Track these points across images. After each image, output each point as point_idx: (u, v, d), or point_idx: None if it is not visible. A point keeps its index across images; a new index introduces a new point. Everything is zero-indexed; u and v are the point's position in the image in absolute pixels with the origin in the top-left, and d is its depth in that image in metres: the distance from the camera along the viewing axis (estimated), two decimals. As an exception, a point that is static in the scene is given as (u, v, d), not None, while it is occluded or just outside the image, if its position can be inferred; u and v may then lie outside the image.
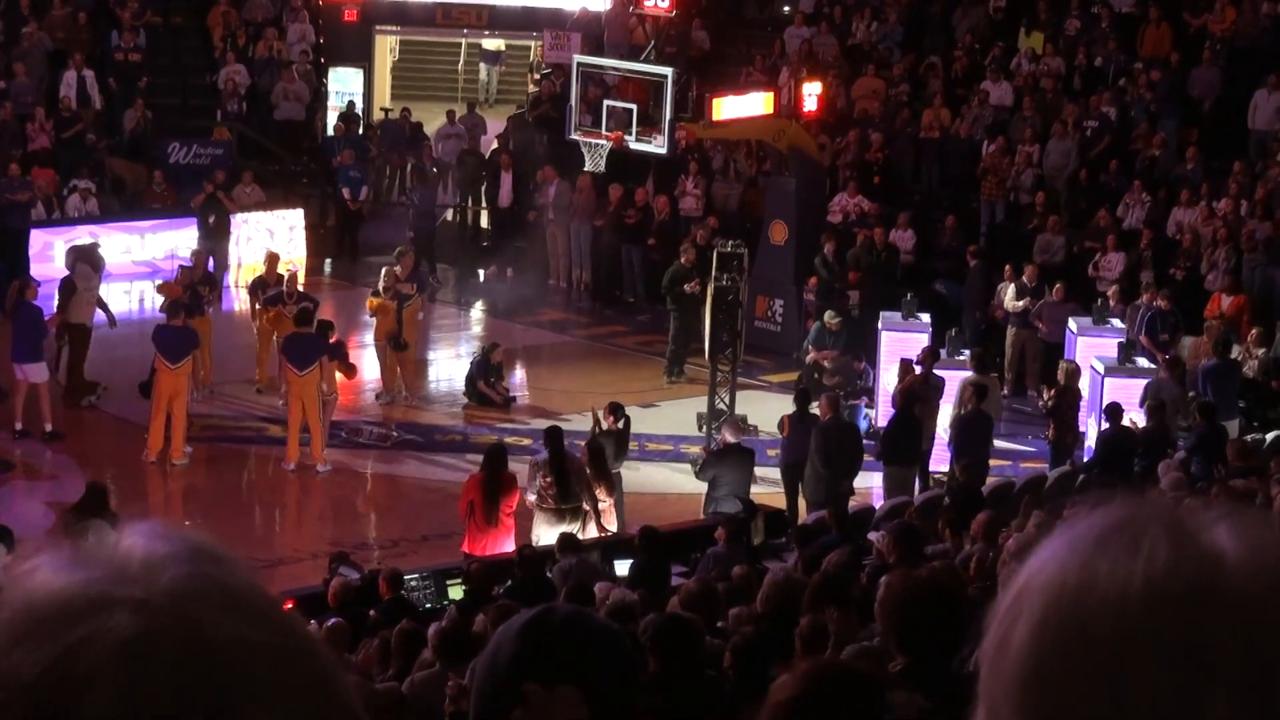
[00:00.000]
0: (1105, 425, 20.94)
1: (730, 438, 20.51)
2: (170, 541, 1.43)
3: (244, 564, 1.46)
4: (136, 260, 30.27)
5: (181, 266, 26.27)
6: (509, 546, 18.16)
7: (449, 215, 33.92)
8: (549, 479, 18.71)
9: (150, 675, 1.35)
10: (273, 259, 26.27)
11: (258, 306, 25.54)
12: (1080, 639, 1.47)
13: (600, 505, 19.02)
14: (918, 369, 22.31)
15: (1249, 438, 21.02)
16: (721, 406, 23.63)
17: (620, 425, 20.64)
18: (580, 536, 17.90)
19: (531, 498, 18.72)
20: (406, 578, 16.17)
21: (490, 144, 34.44)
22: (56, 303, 24.55)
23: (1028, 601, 1.51)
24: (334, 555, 17.72)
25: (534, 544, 17.82)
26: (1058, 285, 25.77)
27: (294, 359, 22.53)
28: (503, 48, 40.92)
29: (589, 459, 19.32)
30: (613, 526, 19.04)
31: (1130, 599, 1.47)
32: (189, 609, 1.38)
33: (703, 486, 20.41)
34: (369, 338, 27.60)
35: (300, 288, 26.33)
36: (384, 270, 26.20)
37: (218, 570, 1.43)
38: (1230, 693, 1.44)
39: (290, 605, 15.73)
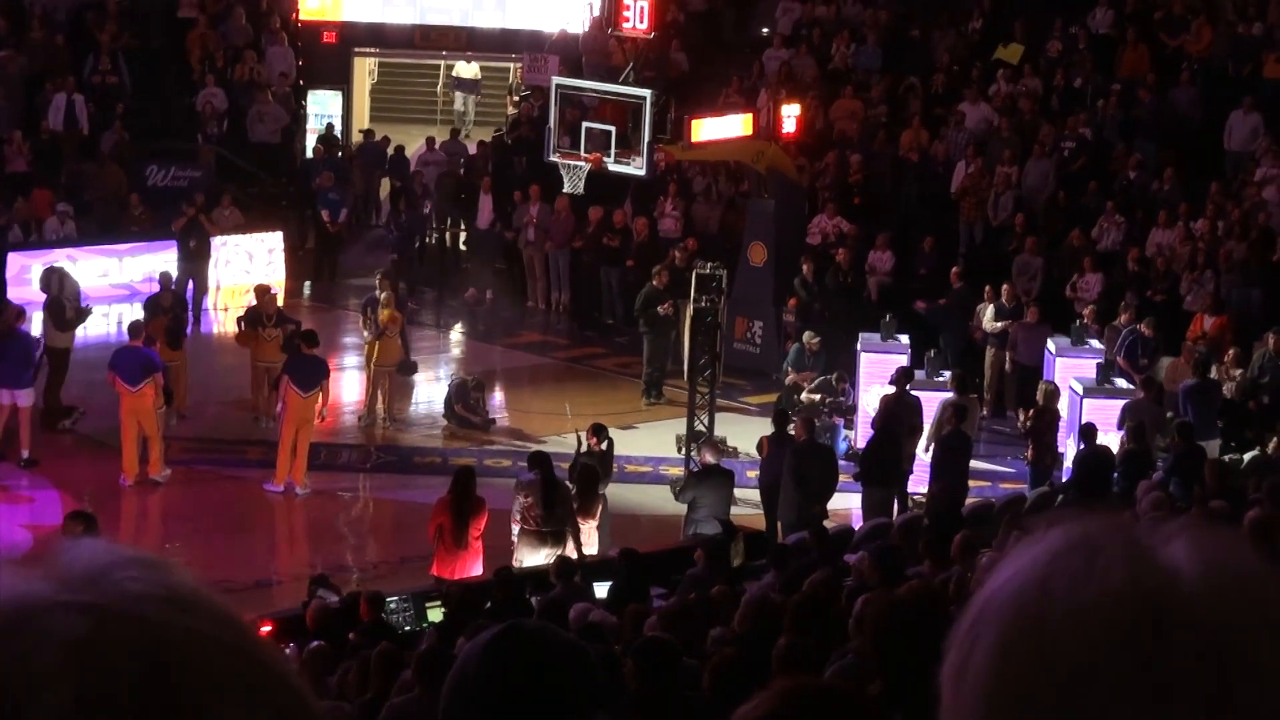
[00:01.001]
0: (1081, 446, 20.96)
1: (710, 459, 20.51)
2: (113, 553, 1.44)
3: (189, 571, 1.47)
4: (114, 283, 30.22)
5: (163, 290, 26.15)
6: (478, 569, 18.16)
7: (429, 238, 33.87)
8: (530, 499, 18.69)
9: (107, 673, 1.35)
10: (264, 291, 26.08)
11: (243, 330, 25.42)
12: (1038, 660, 1.48)
13: (581, 528, 19.01)
14: (890, 389, 22.34)
15: (1227, 458, 21.06)
16: (701, 428, 23.64)
17: (604, 447, 20.63)
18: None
19: (516, 516, 18.69)
20: (386, 600, 16.14)
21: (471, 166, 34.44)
22: (45, 326, 24.57)
23: (986, 624, 1.52)
24: (313, 578, 17.68)
25: (517, 566, 17.83)
26: (1031, 308, 25.81)
27: (299, 380, 22.46)
28: (479, 76, 40.89)
29: (578, 481, 19.31)
30: (593, 550, 19.01)
31: (1087, 617, 1.47)
32: (140, 608, 1.39)
33: (680, 508, 20.39)
34: (348, 360, 27.61)
35: (279, 307, 26.21)
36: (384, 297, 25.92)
37: (164, 574, 1.44)
38: (1189, 712, 1.44)
39: (270, 628, 15.71)
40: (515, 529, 18.74)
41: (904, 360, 23.97)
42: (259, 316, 25.13)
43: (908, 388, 22.35)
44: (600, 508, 19.33)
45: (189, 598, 1.42)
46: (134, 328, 23.27)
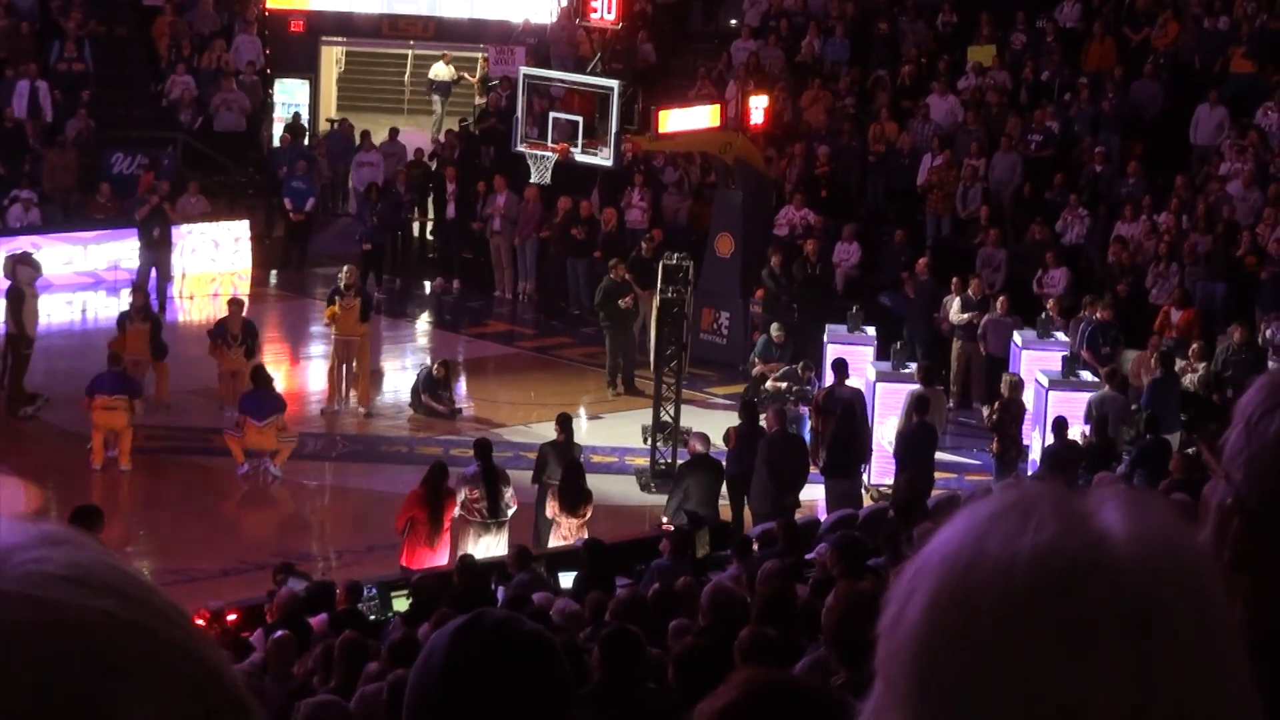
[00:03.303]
0: (1052, 439, 21.00)
1: (699, 448, 20.57)
2: (17, 533, 1.39)
3: (101, 546, 1.41)
4: (79, 271, 30.12)
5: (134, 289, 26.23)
6: (444, 559, 18.22)
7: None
8: (476, 492, 18.78)
9: (10, 662, 1.31)
10: (236, 306, 26.03)
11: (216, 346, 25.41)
12: (966, 611, 1.51)
13: (564, 524, 19.09)
14: (851, 383, 22.46)
15: (1190, 450, 21.13)
16: (667, 419, 23.64)
17: (563, 438, 20.67)
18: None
19: (458, 509, 18.79)
20: (363, 589, 16.18)
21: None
22: (7, 313, 24.50)
23: (922, 578, 1.56)
24: (279, 566, 17.66)
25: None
26: (1001, 299, 25.87)
27: (253, 412, 22.63)
28: (454, 78, 40.75)
29: (560, 479, 19.43)
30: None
31: (1015, 571, 1.51)
32: (39, 591, 1.34)
33: (645, 498, 20.39)
34: (314, 349, 27.58)
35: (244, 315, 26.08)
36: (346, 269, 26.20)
37: (72, 554, 1.38)
38: (1108, 667, 1.48)
39: (235, 616, 15.68)
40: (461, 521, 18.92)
41: (870, 352, 24.07)
42: (224, 332, 25.12)
43: (845, 380, 22.44)
44: (587, 506, 19.37)
45: (99, 578, 1.37)
46: (114, 358, 23.14)
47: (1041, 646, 1.49)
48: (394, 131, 35.78)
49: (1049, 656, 1.48)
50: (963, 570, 1.53)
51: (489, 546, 18.62)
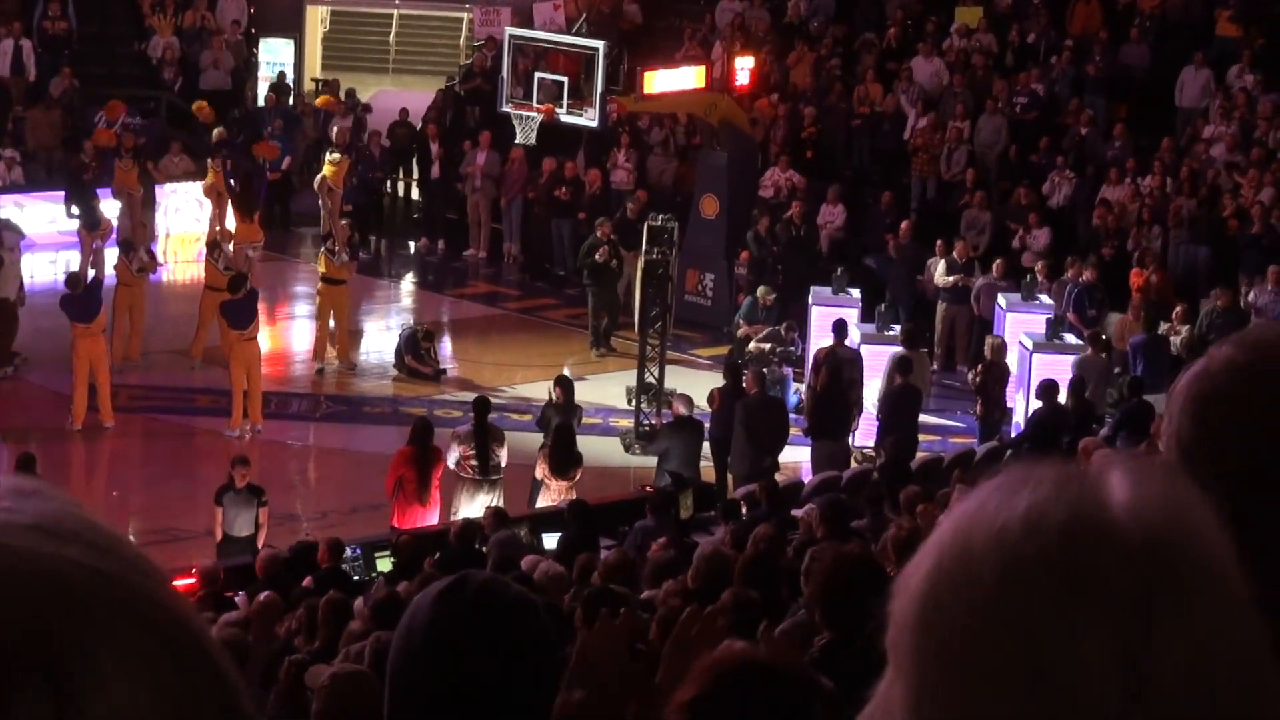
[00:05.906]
0: (1039, 403, 21.00)
1: (682, 410, 20.59)
2: None
3: (69, 498, 1.42)
4: (62, 230, 30.01)
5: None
6: (435, 518, 18.23)
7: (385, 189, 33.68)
8: (468, 450, 18.81)
9: None
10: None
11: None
12: (964, 568, 1.51)
13: (553, 487, 19.11)
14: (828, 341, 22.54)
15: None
16: (651, 380, 23.65)
17: (562, 400, 20.73)
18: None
19: (451, 466, 18.83)
20: (345, 547, 16.20)
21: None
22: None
23: (929, 549, 1.56)
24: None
25: (453, 514, 17.97)
26: (997, 262, 25.85)
27: (234, 321, 22.64)
28: None
29: (553, 441, 19.44)
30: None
31: (1010, 528, 1.51)
32: (12, 540, 1.35)
33: (628, 459, 20.40)
34: (299, 309, 27.53)
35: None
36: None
37: (41, 504, 1.39)
38: (1104, 621, 1.46)
39: (220, 576, 15.68)
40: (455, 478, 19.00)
41: (855, 314, 24.06)
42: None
43: (845, 340, 22.45)
44: (577, 469, 19.39)
45: (68, 527, 1.37)
46: (72, 280, 23.11)
47: (1039, 604, 1.47)
48: (350, 92, 34.94)
49: (1047, 614, 1.47)
50: (963, 534, 1.53)
51: (484, 506, 18.60)
